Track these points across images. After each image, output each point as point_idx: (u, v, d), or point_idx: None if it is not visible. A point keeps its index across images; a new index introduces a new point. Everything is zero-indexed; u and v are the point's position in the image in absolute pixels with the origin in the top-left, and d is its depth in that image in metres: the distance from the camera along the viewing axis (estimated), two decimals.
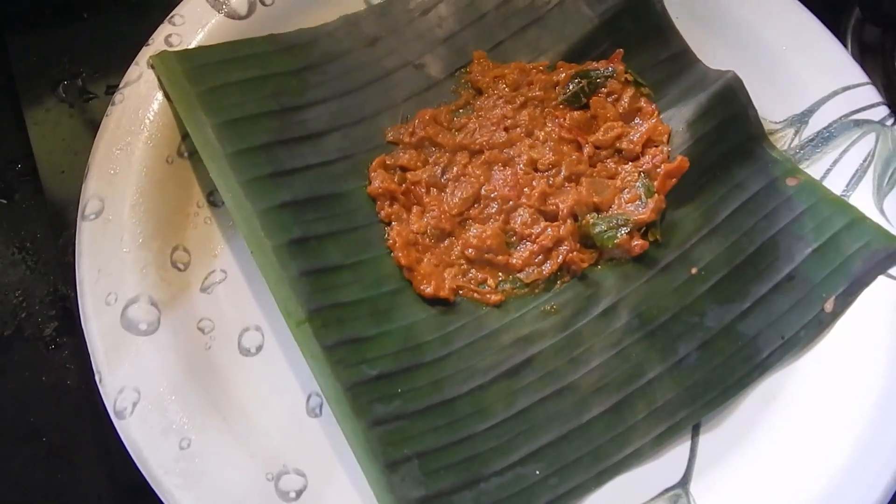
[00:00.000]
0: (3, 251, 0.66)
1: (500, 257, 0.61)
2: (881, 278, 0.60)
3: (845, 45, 0.71)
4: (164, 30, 0.63)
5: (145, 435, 0.52)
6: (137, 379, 0.53)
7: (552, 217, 0.62)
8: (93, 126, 0.60)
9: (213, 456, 0.52)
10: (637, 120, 0.66)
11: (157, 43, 0.62)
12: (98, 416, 0.53)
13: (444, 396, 0.56)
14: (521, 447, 0.55)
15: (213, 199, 0.61)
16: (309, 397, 0.57)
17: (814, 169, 0.65)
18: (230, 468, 0.52)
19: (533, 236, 0.61)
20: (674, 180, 0.63)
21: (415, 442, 0.53)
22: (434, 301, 0.59)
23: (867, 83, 0.66)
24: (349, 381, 0.54)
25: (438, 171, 0.63)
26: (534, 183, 0.63)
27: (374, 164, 0.62)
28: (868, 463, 0.54)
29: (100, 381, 0.53)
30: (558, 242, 0.61)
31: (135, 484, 0.52)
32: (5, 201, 0.68)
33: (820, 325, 0.59)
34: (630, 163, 0.64)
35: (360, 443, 0.53)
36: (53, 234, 0.65)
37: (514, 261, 0.61)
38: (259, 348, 0.58)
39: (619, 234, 0.60)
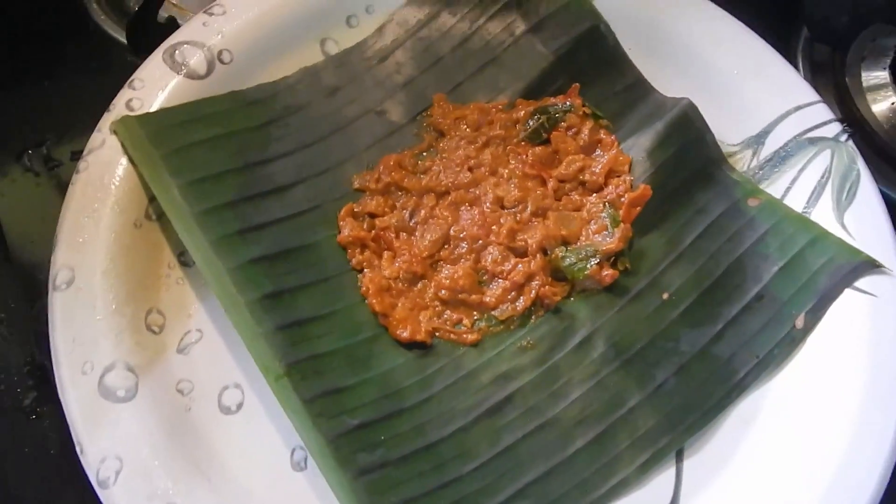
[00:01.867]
0: None
1: (473, 296, 0.61)
2: (848, 291, 0.61)
3: (796, 65, 0.73)
4: (124, 94, 0.63)
5: (131, 503, 0.51)
6: (119, 447, 0.52)
7: (522, 253, 0.63)
8: (60, 193, 0.60)
9: None
10: (598, 152, 0.67)
11: (118, 108, 0.62)
12: (83, 485, 0.52)
13: (427, 440, 0.56)
14: (508, 486, 0.55)
15: (183, 259, 0.61)
16: (293, 451, 0.56)
17: (774, 188, 0.66)
18: None
19: (504, 273, 0.62)
20: (638, 208, 0.63)
21: (401, 489, 0.53)
22: (411, 345, 0.59)
23: (819, 101, 0.68)
24: (331, 433, 0.53)
25: (406, 215, 0.64)
26: (501, 220, 0.63)
27: (342, 212, 0.62)
28: (850, 477, 0.54)
29: (81, 451, 0.52)
30: (530, 278, 0.61)
31: None
32: None
33: (792, 342, 0.60)
34: (594, 194, 0.65)
35: (346, 494, 0.52)
36: (27, 302, 0.65)
37: (488, 299, 0.61)
38: (240, 406, 0.57)
39: (588, 265, 0.61)
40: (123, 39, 0.75)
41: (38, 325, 0.62)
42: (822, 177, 0.65)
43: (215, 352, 0.59)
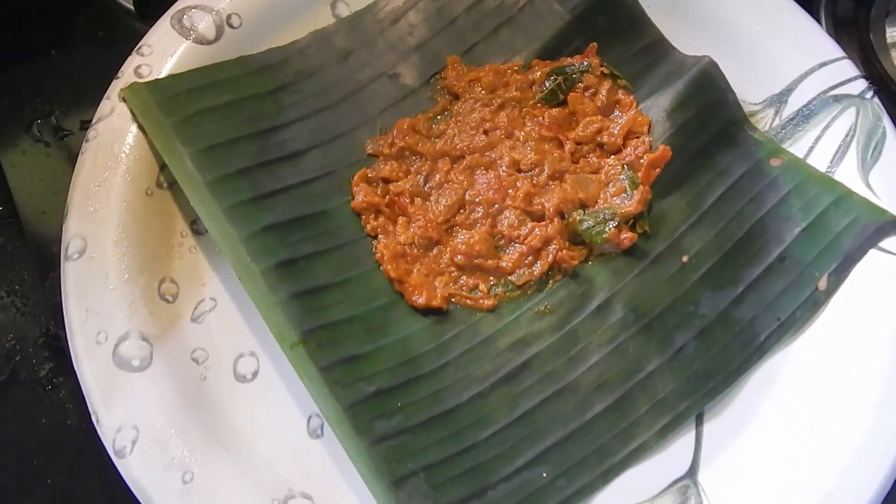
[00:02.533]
0: None
1: (489, 262, 0.60)
2: (872, 252, 0.60)
3: (819, 22, 0.71)
4: (132, 61, 0.62)
5: (147, 472, 0.51)
6: (135, 416, 0.52)
7: (539, 217, 0.62)
8: (70, 163, 0.60)
9: (218, 488, 0.52)
10: (616, 112, 0.66)
11: (126, 75, 0.61)
12: (100, 455, 0.52)
13: (444, 407, 0.55)
14: (526, 451, 0.55)
15: (196, 227, 0.61)
16: (309, 419, 0.56)
17: (797, 148, 0.65)
18: (236, 498, 0.52)
19: (521, 238, 0.61)
20: (658, 170, 0.62)
21: (419, 456, 0.53)
22: (427, 311, 0.59)
23: (843, 57, 0.66)
24: (348, 401, 0.53)
25: (421, 179, 0.63)
26: (518, 184, 0.62)
27: (355, 178, 0.62)
28: (875, 439, 0.53)
29: (97, 421, 0.52)
30: (547, 242, 0.60)
31: None
32: None
33: (815, 304, 0.59)
34: (612, 156, 0.64)
35: (363, 461, 0.52)
36: (40, 275, 0.64)
37: (505, 264, 0.60)
38: (255, 374, 0.57)
39: (607, 229, 0.60)
40: (130, 6, 0.74)
41: (53, 297, 0.61)
42: (847, 135, 0.64)
43: (230, 320, 0.59)
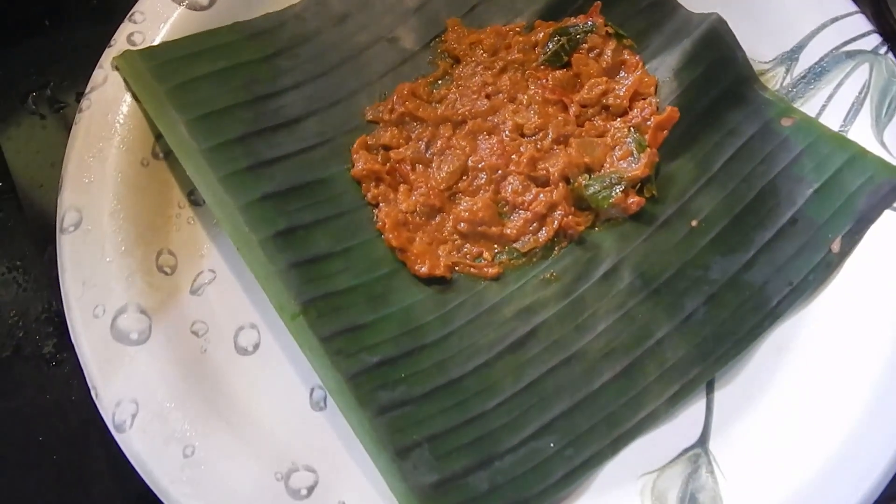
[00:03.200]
0: None
1: (493, 229, 0.59)
2: (887, 213, 0.58)
3: None
4: (125, 29, 0.61)
5: (147, 446, 0.51)
6: (134, 390, 0.52)
7: (543, 182, 0.60)
8: (67, 136, 0.59)
9: (219, 461, 0.51)
10: (622, 73, 0.64)
11: (119, 43, 0.60)
12: (105, 430, 0.52)
13: (449, 377, 0.54)
14: (533, 421, 0.54)
15: (193, 198, 0.60)
16: (312, 391, 0.55)
17: (808, 106, 0.63)
18: (238, 471, 0.51)
19: (525, 204, 0.60)
20: (665, 132, 0.61)
21: (423, 426, 0.52)
22: (430, 280, 0.58)
23: (856, 12, 0.64)
24: (350, 371, 0.52)
25: (422, 146, 0.62)
26: (521, 149, 0.61)
27: (355, 145, 0.61)
28: (888, 406, 0.52)
29: (96, 395, 0.52)
30: (552, 208, 0.59)
31: (147, 496, 0.51)
32: None
33: (828, 267, 0.58)
34: (618, 118, 0.62)
35: (367, 433, 0.51)
36: (38, 249, 0.64)
37: (509, 231, 0.59)
38: (256, 346, 0.57)
39: (613, 193, 0.59)
40: None
41: (53, 271, 0.61)
42: (861, 92, 0.62)
43: (230, 292, 0.58)
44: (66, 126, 0.67)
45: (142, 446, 0.51)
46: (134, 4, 0.63)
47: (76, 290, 0.54)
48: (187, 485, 0.50)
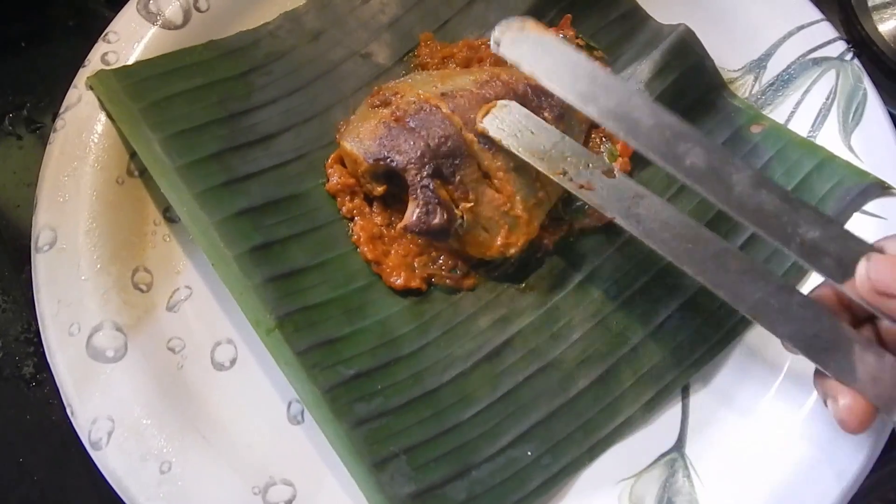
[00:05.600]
0: None
1: None
2: (857, 215, 0.59)
3: None
4: (99, 48, 0.61)
5: (124, 463, 0.50)
6: (110, 407, 0.52)
7: None
8: (43, 156, 0.59)
9: (196, 477, 0.51)
10: None
11: (93, 63, 0.60)
12: (85, 450, 0.52)
13: (425, 388, 0.54)
14: (510, 430, 0.54)
15: (169, 215, 0.60)
16: (289, 405, 0.55)
17: (777, 113, 0.64)
18: (215, 487, 0.51)
19: None
20: None
21: (400, 438, 0.52)
22: (406, 292, 0.58)
23: (822, 19, 0.65)
24: (326, 384, 0.52)
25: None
26: None
27: (330, 160, 0.61)
28: None
29: (71, 413, 0.52)
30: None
31: None
32: None
33: (800, 270, 0.58)
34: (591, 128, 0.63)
35: (344, 445, 0.51)
36: (16, 269, 0.64)
37: None
38: (233, 361, 0.56)
39: (587, 204, 0.59)
40: None
41: (30, 291, 0.60)
42: (828, 98, 0.63)
43: (206, 308, 0.58)
44: (43, 146, 0.66)
45: (118, 463, 0.50)
46: (111, 21, 0.63)
47: (51, 309, 0.54)
48: (164, 501, 0.50)
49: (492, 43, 0.52)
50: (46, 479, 0.59)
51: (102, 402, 0.52)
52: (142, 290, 0.57)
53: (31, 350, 0.63)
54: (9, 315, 0.64)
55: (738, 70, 0.66)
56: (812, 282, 0.58)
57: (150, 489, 0.50)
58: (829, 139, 0.61)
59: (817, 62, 0.64)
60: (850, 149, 0.61)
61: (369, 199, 0.60)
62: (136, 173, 0.59)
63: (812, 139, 0.62)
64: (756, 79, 0.65)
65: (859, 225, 0.58)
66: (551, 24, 0.66)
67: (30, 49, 0.72)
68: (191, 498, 0.50)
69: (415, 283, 0.57)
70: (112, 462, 0.50)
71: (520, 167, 0.56)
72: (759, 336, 0.57)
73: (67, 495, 0.59)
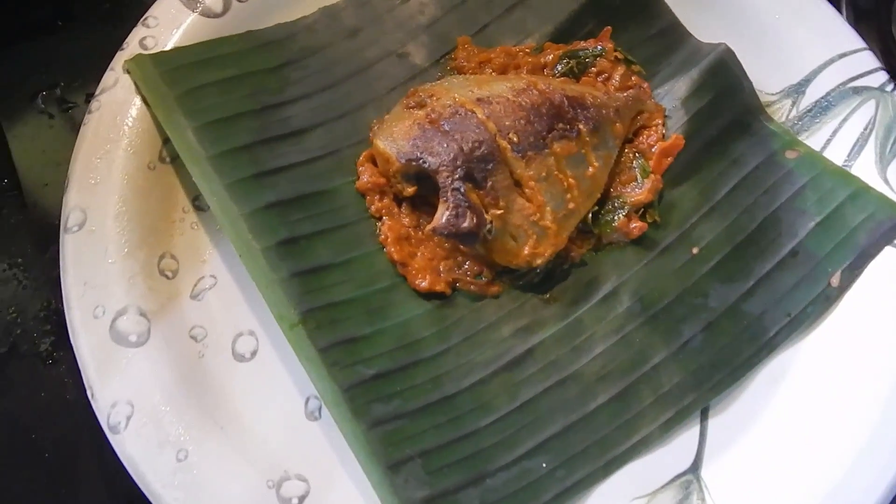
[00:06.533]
0: None
1: None
2: (888, 249, 0.59)
3: (840, 12, 0.69)
4: (138, 33, 0.61)
5: (141, 449, 0.51)
6: (130, 392, 0.52)
7: None
8: (74, 136, 0.59)
9: (212, 467, 0.51)
10: None
11: (131, 46, 0.60)
12: (98, 431, 0.52)
13: (444, 393, 0.54)
14: (526, 440, 0.54)
15: (198, 203, 0.60)
16: (307, 400, 0.55)
17: (813, 140, 0.64)
18: (230, 478, 0.51)
19: None
20: (670, 159, 0.61)
21: (416, 441, 0.52)
22: (430, 295, 0.58)
23: (864, 48, 0.64)
24: (346, 383, 0.52)
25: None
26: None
27: (361, 158, 0.61)
28: (883, 440, 0.52)
29: (92, 396, 0.52)
30: None
31: (137, 499, 0.51)
32: None
33: (827, 300, 0.58)
34: (625, 144, 0.63)
35: (360, 445, 0.51)
36: (40, 248, 0.64)
37: None
38: (254, 353, 0.57)
39: (616, 218, 0.59)
40: None
41: (53, 270, 0.61)
42: (866, 129, 0.62)
43: (230, 298, 0.58)
44: (74, 126, 0.67)
45: (135, 449, 0.51)
46: (146, 9, 0.63)
47: (77, 290, 0.54)
48: (179, 489, 0.50)
49: None
50: (57, 459, 0.59)
51: (123, 386, 0.52)
52: (167, 277, 0.57)
53: (49, 328, 0.63)
54: (29, 292, 0.64)
55: (777, 94, 0.66)
56: (832, 320, 0.58)
57: (165, 476, 0.50)
58: (865, 170, 0.61)
59: (857, 91, 0.63)
60: (886, 181, 0.60)
61: (398, 200, 0.60)
62: (168, 160, 0.60)
63: (848, 168, 0.61)
64: (794, 104, 0.65)
65: (889, 259, 0.58)
66: (591, 34, 0.66)
67: (64, 29, 0.73)
68: (206, 488, 0.50)
69: (439, 287, 0.57)
70: (129, 447, 0.51)
71: (551, 178, 0.56)
72: (780, 364, 0.57)
73: (77, 476, 0.59)
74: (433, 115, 0.57)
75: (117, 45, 0.62)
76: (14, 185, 0.67)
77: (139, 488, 0.50)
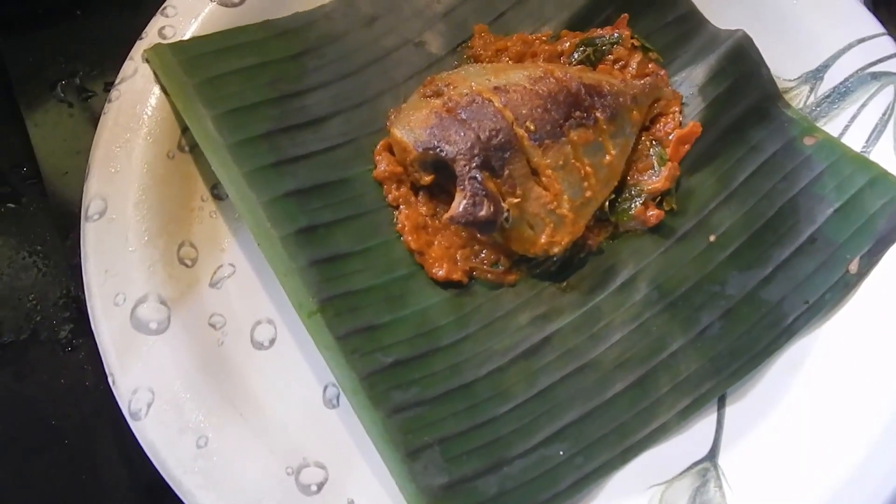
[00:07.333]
0: (15, 255, 0.65)
1: None
2: None
3: None
4: (157, 22, 0.61)
5: (162, 435, 0.51)
6: (151, 379, 0.52)
7: None
8: (93, 124, 0.60)
9: (232, 453, 0.52)
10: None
11: (150, 36, 0.61)
12: (117, 417, 0.52)
13: (462, 380, 0.55)
14: (544, 428, 0.54)
15: (217, 192, 0.60)
16: (325, 388, 0.56)
17: (831, 126, 0.63)
18: (249, 464, 0.52)
19: None
20: (687, 146, 0.61)
21: (435, 428, 0.53)
22: (447, 284, 0.58)
23: (883, 34, 0.64)
24: (365, 371, 0.53)
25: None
26: None
27: (378, 146, 0.61)
28: None
29: (113, 383, 0.52)
30: None
31: (156, 484, 0.51)
32: (13, 205, 0.67)
33: (845, 287, 0.58)
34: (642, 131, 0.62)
35: (379, 432, 0.52)
36: (60, 236, 0.64)
37: None
38: (272, 341, 0.57)
39: (633, 206, 0.59)
40: None
41: (73, 258, 0.61)
42: (885, 114, 0.62)
43: (248, 286, 0.58)
44: (93, 115, 0.68)
45: (156, 435, 0.51)
46: None
47: (98, 278, 0.54)
48: (199, 475, 0.50)
49: None
50: (76, 444, 0.60)
51: (144, 373, 0.53)
52: (187, 265, 0.57)
53: (69, 315, 0.64)
54: (49, 279, 0.65)
55: (794, 80, 0.65)
56: (850, 307, 0.58)
57: (186, 462, 0.51)
58: (884, 156, 0.61)
59: (876, 76, 0.63)
60: None
61: (416, 189, 0.60)
62: (187, 148, 0.60)
63: (866, 154, 0.61)
64: (812, 90, 0.64)
65: None
66: (607, 22, 0.66)
67: (84, 17, 0.73)
68: (226, 474, 0.51)
69: (456, 276, 0.58)
70: (150, 433, 0.51)
71: (568, 166, 0.56)
72: (799, 351, 0.57)
73: (96, 461, 0.60)
74: (450, 104, 0.57)
75: (136, 33, 0.62)
76: (34, 172, 0.67)
77: (159, 474, 0.51)
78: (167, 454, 0.51)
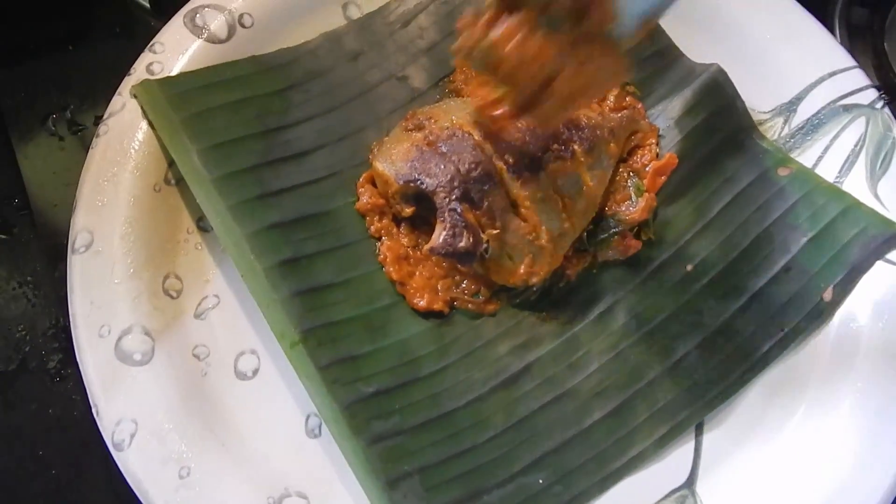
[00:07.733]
0: (5, 286, 0.66)
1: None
2: (879, 264, 0.59)
3: (833, 29, 0.71)
4: (145, 58, 0.62)
5: (145, 466, 0.52)
6: (134, 410, 0.53)
7: None
8: (83, 158, 0.60)
9: (214, 483, 0.52)
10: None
11: (139, 72, 0.62)
12: (104, 448, 0.53)
13: (442, 410, 0.55)
14: (523, 456, 0.54)
15: (202, 224, 0.61)
16: (308, 418, 0.56)
17: (805, 157, 0.64)
18: (231, 494, 0.52)
19: None
20: (664, 178, 0.62)
21: (415, 457, 0.53)
22: (428, 314, 0.58)
23: (854, 66, 0.65)
24: (346, 400, 0.53)
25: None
26: None
27: (361, 179, 0.62)
28: (878, 454, 0.53)
29: (97, 413, 0.53)
30: None
31: None
32: (5, 236, 0.68)
33: (820, 315, 0.59)
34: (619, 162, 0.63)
35: (359, 461, 0.52)
36: (50, 267, 0.65)
37: None
38: (255, 371, 0.57)
39: (611, 236, 0.60)
40: (146, 3, 0.75)
41: (63, 289, 0.62)
42: (856, 145, 0.63)
43: (232, 317, 0.59)
44: (84, 148, 0.68)
45: (139, 466, 0.51)
46: (155, 32, 0.64)
47: (84, 310, 0.55)
48: None
49: None
50: (64, 474, 0.60)
51: (127, 404, 0.53)
52: (171, 297, 0.58)
53: (57, 345, 0.64)
54: (38, 310, 0.65)
55: (769, 112, 0.67)
56: (825, 335, 0.59)
57: (168, 493, 0.51)
58: (856, 186, 0.62)
59: (847, 108, 0.64)
60: (877, 196, 0.61)
61: (397, 220, 0.61)
62: (173, 181, 0.61)
63: (839, 185, 0.62)
64: (786, 122, 0.66)
65: (881, 274, 0.59)
66: None
67: (76, 52, 0.74)
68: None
69: (437, 306, 0.58)
70: (133, 464, 0.51)
71: (547, 198, 0.57)
72: (774, 379, 0.58)
73: (84, 492, 0.60)
74: (431, 138, 0.58)
75: (127, 67, 0.63)
76: (24, 204, 0.68)
77: None
78: (149, 485, 0.51)
